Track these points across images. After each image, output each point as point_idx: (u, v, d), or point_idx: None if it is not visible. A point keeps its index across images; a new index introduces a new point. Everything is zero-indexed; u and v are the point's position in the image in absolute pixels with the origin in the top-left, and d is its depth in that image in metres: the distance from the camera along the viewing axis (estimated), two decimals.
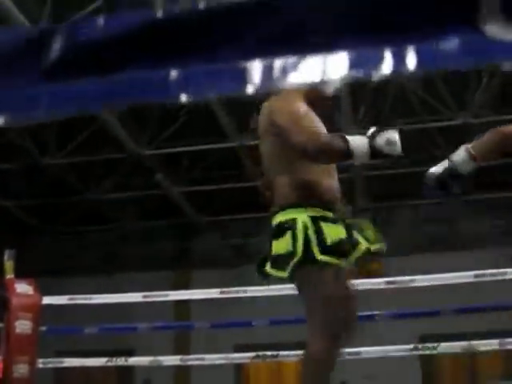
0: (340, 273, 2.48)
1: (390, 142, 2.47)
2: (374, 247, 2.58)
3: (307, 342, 2.49)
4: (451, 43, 0.75)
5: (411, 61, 0.75)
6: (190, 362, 5.99)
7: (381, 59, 0.75)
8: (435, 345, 4.77)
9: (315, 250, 2.41)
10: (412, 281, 4.81)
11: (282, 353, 5.07)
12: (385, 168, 8.73)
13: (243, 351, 6.22)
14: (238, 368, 10.72)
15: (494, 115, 8.06)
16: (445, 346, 4.83)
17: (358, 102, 7.71)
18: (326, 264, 2.42)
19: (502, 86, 7.84)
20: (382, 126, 2.51)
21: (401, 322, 6.75)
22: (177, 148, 8.54)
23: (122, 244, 11.67)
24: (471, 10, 0.73)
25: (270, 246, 2.56)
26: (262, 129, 2.71)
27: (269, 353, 5.10)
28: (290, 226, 2.48)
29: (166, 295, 5.50)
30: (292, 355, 4.98)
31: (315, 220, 2.46)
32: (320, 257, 2.41)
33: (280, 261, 2.49)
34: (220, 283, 6.06)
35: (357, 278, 2.70)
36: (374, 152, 2.46)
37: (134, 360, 6.32)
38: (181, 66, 0.83)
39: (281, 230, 2.51)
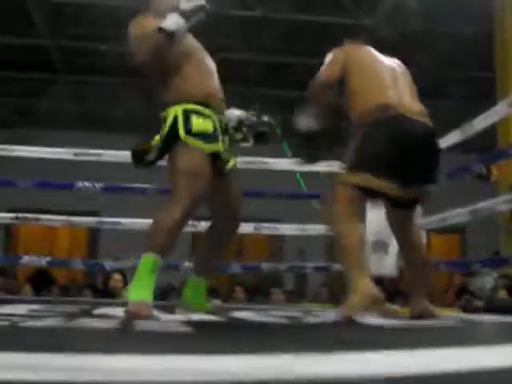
0: (203, 155, 2.84)
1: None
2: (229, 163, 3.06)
3: (161, 209, 2.78)
4: None
5: None
6: None
7: None
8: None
9: (180, 131, 2.82)
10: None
11: (44, 216, 5.12)
12: None
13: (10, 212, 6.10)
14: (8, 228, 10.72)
15: None
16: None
17: None
18: (189, 143, 2.81)
19: None
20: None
21: None
22: None
23: None
24: None
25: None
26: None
27: (30, 215, 5.14)
28: (165, 118, 2.90)
29: None
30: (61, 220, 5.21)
31: (188, 112, 2.87)
32: (183, 136, 2.82)
33: (156, 148, 2.91)
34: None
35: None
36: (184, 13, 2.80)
37: None
38: None
39: (161, 123, 2.91)
